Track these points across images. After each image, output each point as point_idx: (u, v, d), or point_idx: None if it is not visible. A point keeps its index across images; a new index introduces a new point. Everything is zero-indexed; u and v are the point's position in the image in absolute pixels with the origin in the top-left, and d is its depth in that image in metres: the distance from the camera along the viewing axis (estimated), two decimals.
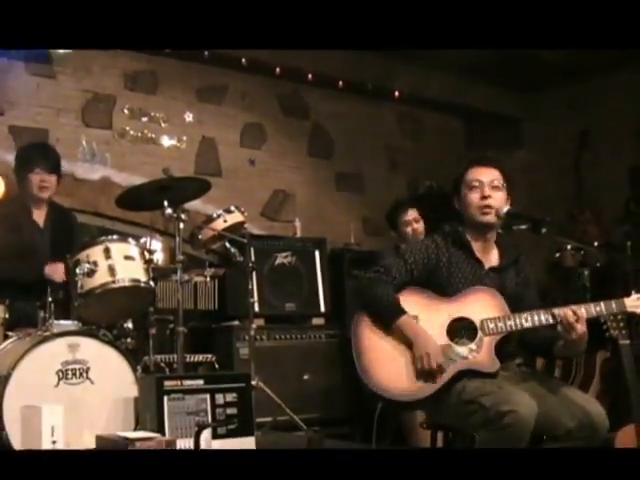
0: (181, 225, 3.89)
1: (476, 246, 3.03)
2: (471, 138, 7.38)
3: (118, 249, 3.68)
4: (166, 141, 5.68)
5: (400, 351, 2.87)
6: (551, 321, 2.83)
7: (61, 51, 5.04)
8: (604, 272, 5.39)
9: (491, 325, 2.87)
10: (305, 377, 5.06)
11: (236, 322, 4.97)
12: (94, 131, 5.39)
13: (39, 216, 4.20)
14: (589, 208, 6.21)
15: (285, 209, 6.24)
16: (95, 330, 3.55)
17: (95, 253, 3.63)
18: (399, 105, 6.86)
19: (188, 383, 3.27)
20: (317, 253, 5.56)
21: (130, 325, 3.95)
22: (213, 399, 3.29)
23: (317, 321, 5.41)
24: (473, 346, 2.86)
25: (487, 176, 3.01)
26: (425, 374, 2.82)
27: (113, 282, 3.60)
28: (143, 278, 3.69)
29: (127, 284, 3.64)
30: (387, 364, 2.86)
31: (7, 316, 3.67)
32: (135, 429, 3.28)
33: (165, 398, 3.18)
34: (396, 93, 6.55)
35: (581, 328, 2.78)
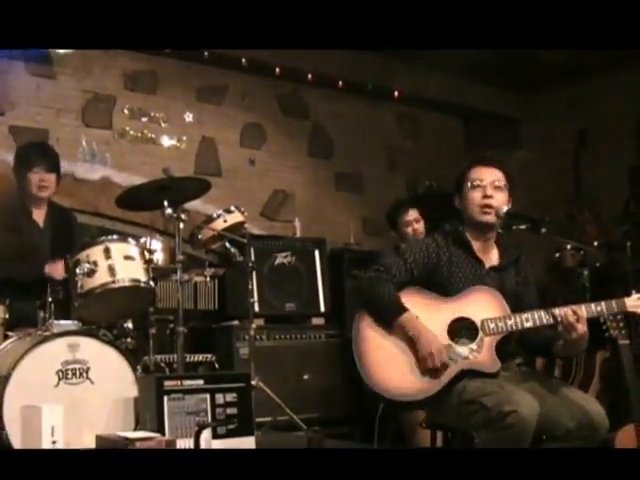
0: (181, 225, 3.89)
1: (476, 245, 3.04)
2: (470, 138, 7.38)
3: (118, 249, 3.68)
4: (166, 141, 5.68)
5: (401, 351, 2.87)
6: (552, 321, 2.83)
7: (61, 51, 5.04)
8: (604, 272, 5.39)
9: (492, 325, 2.87)
10: (305, 377, 5.06)
11: (236, 322, 4.97)
12: (94, 131, 5.39)
13: (39, 216, 4.20)
14: (588, 208, 6.21)
15: (285, 209, 6.24)
16: (95, 330, 3.55)
17: (95, 253, 3.63)
18: (399, 105, 6.87)
19: (188, 383, 3.27)
20: (317, 253, 5.56)
21: (130, 325, 3.95)
22: (213, 399, 3.29)
23: (317, 321, 5.41)
24: (474, 346, 2.86)
25: (490, 176, 3.01)
26: (430, 372, 2.82)
27: (113, 282, 3.60)
28: (143, 278, 3.69)
29: (127, 284, 3.64)
30: (388, 364, 2.86)
31: (7, 316, 3.66)
32: (135, 429, 3.28)
33: (165, 398, 3.18)
34: (396, 93, 6.56)
35: (582, 328, 2.78)
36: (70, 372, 3.27)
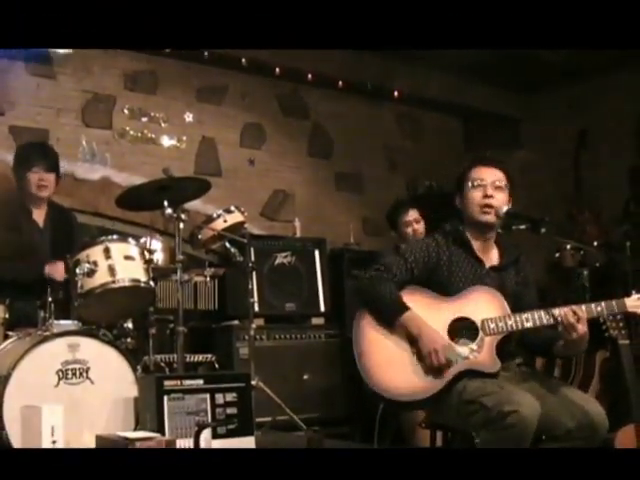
0: (181, 225, 3.89)
1: (476, 245, 3.04)
2: (470, 138, 7.38)
3: (118, 249, 3.68)
4: (166, 141, 5.68)
5: (402, 351, 2.87)
6: (552, 321, 2.83)
7: (61, 51, 5.04)
8: (603, 272, 5.39)
9: (492, 325, 2.87)
10: (305, 377, 5.06)
11: (236, 322, 4.97)
12: (94, 131, 5.39)
13: (39, 216, 4.21)
14: (588, 208, 6.21)
15: (285, 209, 6.24)
16: (95, 330, 3.55)
17: (95, 253, 3.63)
18: (398, 105, 6.87)
19: (188, 383, 3.27)
20: (317, 253, 5.56)
21: (130, 325, 3.95)
22: (213, 399, 3.29)
23: (317, 321, 5.41)
24: (474, 346, 2.86)
25: (491, 176, 3.01)
26: (434, 370, 2.82)
27: (113, 282, 3.60)
28: (143, 278, 3.69)
29: (127, 284, 3.64)
30: (388, 364, 2.86)
31: (7, 316, 3.66)
32: (135, 429, 3.28)
33: (165, 398, 3.18)
34: (395, 93, 6.56)
35: (582, 328, 2.78)
36: (70, 372, 3.27)
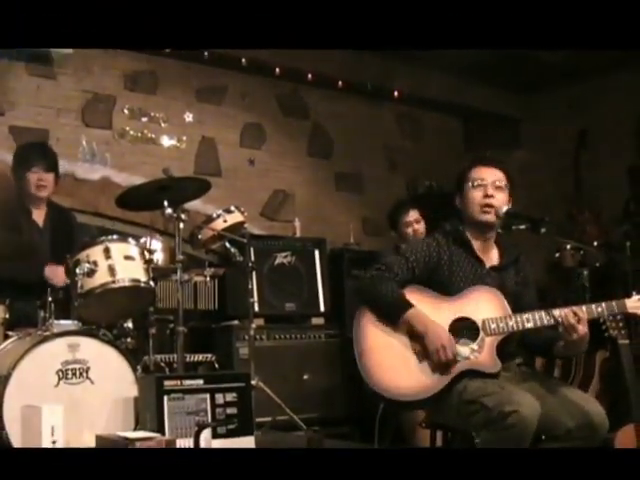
0: (181, 225, 3.89)
1: (476, 245, 3.04)
2: (470, 138, 7.38)
3: (118, 249, 3.68)
4: (166, 141, 5.68)
5: (402, 350, 2.87)
6: (552, 322, 2.83)
7: (61, 51, 5.04)
8: (603, 272, 5.39)
9: (493, 325, 2.87)
10: (305, 377, 5.06)
11: (236, 322, 4.97)
12: (94, 131, 5.39)
13: (38, 216, 4.21)
14: (588, 208, 6.21)
15: (285, 209, 6.24)
16: (95, 330, 3.55)
17: (95, 253, 3.63)
18: (398, 105, 6.87)
19: (188, 383, 3.27)
20: (317, 253, 5.56)
21: (130, 325, 3.95)
22: (213, 399, 3.29)
23: (317, 321, 5.42)
24: (475, 346, 2.86)
25: (491, 176, 3.01)
26: (441, 366, 2.82)
27: (113, 282, 3.60)
28: (143, 278, 3.69)
29: (127, 284, 3.64)
30: (389, 364, 2.86)
31: (7, 316, 3.67)
32: (135, 429, 3.28)
33: (165, 398, 3.18)
34: (395, 93, 6.56)
35: (582, 329, 2.78)
36: (70, 372, 3.27)
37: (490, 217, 2.99)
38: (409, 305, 2.88)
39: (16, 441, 3.11)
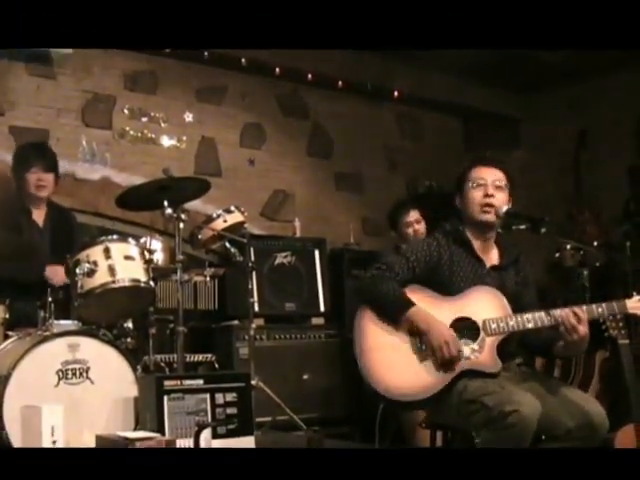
0: (181, 225, 3.89)
1: (476, 245, 3.04)
2: (470, 138, 7.38)
3: (118, 249, 3.68)
4: (166, 141, 5.68)
5: (403, 350, 2.87)
6: (553, 322, 2.83)
7: (61, 51, 5.04)
8: (603, 272, 5.39)
9: (493, 325, 2.87)
10: (305, 377, 5.06)
11: (236, 322, 4.97)
12: (94, 131, 5.39)
13: (38, 216, 4.22)
14: (588, 208, 6.21)
15: (285, 209, 6.24)
16: (95, 330, 3.55)
17: (95, 253, 3.63)
18: (398, 105, 6.86)
19: (188, 383, 3.27)
20: (317, 253, 5.56)
21: (130, 325, 3.95)
22: (213, 399, 3.29)
23: (317, 321, 5.42)
24: (475, 346, 2.86)
25: (491, 175, 3.02)
26: (445, 363, 2.81)
27: (113, 282, 3.60)
28: (143, 278, 3.70)
29: (127, 284, 3.64)
30: (389, 363, 2.86)
31: (7, 316, 3.67)
32: (135, 429, 3.28)
33: (165, 398, 3.18)
34: (395, 93, 6.56)
35: (583, 329, 2.78)
36: (70, 372, 3.28)
37: (490, 217, 2.99)
38: (411, 303, 2.87)
39: (16, 441, 3.11)
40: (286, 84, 6.27)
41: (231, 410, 3.31)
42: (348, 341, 2.99)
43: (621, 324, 3.57)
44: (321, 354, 5.19)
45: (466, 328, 2.89)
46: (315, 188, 6.42)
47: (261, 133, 6.19)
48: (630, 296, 2.89)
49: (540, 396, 2.74)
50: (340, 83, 6.27)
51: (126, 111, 5.54)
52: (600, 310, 2.87)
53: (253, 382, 3.94)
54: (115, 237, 3.77)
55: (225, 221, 4.30)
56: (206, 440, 3.07)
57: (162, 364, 4.37)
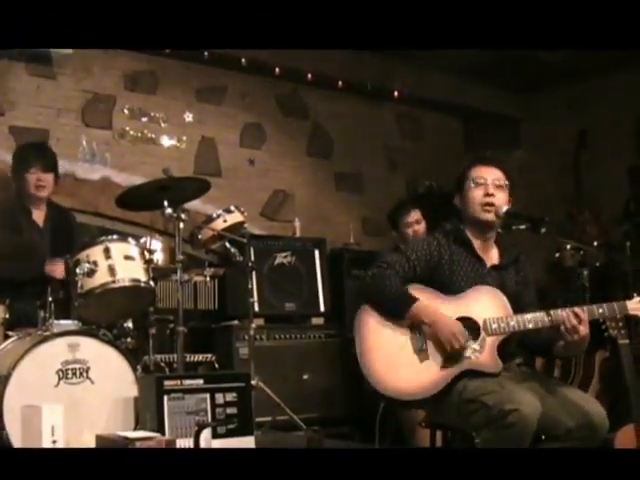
0: (181, 225, 3.90)
1: (477, 244, 3.04)
2: (470, 138, 7.38)
3: (118, 249, 3.68)
4: (166, 141, 5.68)
5: (404, 349, 2.87)
6: (553, 323, 2.83)
7: (61, 51, 5.04)
8: (603, 272, 5.39)
9: (494, 325, 2.87)
10: (305, 377, 5.06)
11: (236, 322, 4.97)
12: (94, 131, 5.38)
13: (38, 216, 4.22)
14: (588, 208, 6.21)
15: (285, 209, 6.24)
16: (95, 330, 3.55)
17: (95, 253, 3.63)
18: (398, 105, 6.86)
19: (188, 383, 3.28)
20: (317, 253, 5.56)
21: (130, 325, 3.96)
22: (213, 399, 3.29)
23: (317, 321, 5.42)
24: (476, 346, 2.86)
25: (491, 175, 3.02)
26: (454, 354, 2.81)
27: (113, 282, 3.60)
28: (143, 278, 3.70)
29: (127, 284, 3.64)
30: (390, 363, 2.86)
31: (7, 316, 3.67)
32: (135, 429, 3.28)
33: (165, 398, 3.19)
34: (395, 93, 6.55)
35: (583, 330, 2.79)
36: (70, 372, 3.28)
37: (491, 216, 2.99)
38: (414, 298, 2.87)
39: (16, 441, 3.11)
40: (286, 84, 6.27)
41: (231, 410, 3.32)
42: (348, 341, 2.99)
43: (621, 324, 3.57)
44: (321, 354, 5.19)
45: (467, 328, 2.89)
46: (315, 188, 6.42)
47: (261, 133, 6.19)
48: (630, 297, 2.89)
49: (540, 396, 2.74)
50: (340, 83, 6.26)
51: (126, 111, 5.54)
52: (600, 311, 2.87)
53: (253, 382, 3.94)
54: (115, 237, 3.78)
55: (225, 221, 4.30)
56: (206, 440, 3.08)
57: (162, 364, 4.37)
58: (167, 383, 3.23)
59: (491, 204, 2.98)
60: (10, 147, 4.80)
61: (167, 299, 4.76)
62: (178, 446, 3.02)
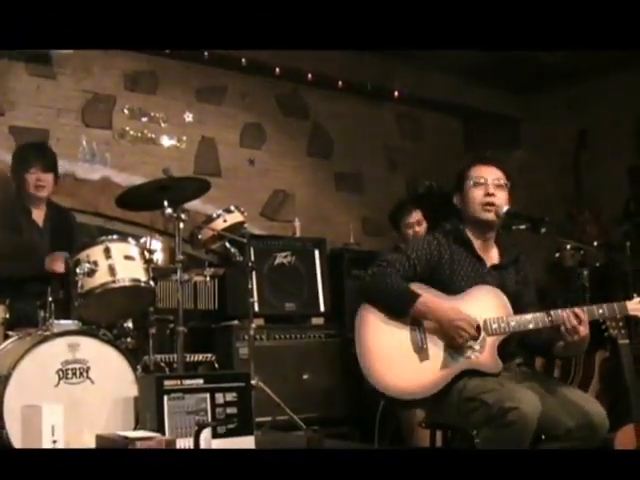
0: (181, 225, 3.90)
1: (477, 244, 3.04)
2: (470, 138, 7.38)
3: (118, 249, 3.68)
4: (166, 141, 5.68)
5: (404, 349, 2.87)
6: (553, 323, 2.83)
7: (61, 52, 5.04)
8: (603, 272, 5.39)
9: (494, 325, 2.87)
10: (305, 377, 5.06)
11: (236, 322, 4.97)
12: (94, 131, 5.39)
13: (38, 216, 4.22)
14: (588, 208, 6.21)
15: (285, 209, 6.24)
16: (95, 330, 3.56)
17: (95, 253, 3.63)
18: (398, 105, 6.86)
19: (188, 382, 3.28)
20: (317, 253, 5.56)
21: (130, 325, 3.96)
22: (213, 398, 3.29)
23: (317, 321, 5.42)
24: (476, 346, 2.86)
25: (491, 174, 3.02)
26: (457, 351, 2.81)
27: (113, 282, 3.60)
28: (143, 278, 3.70)
29: (127, 284, 3.64)
30: (390, 362, 2.85)
31: (7, 316, 3.67)
32: (135, 428, 3.29)
33: (165, 397, 3.19)
34: (395, 93, 6.55)
35: (584, 330, 2.78)
36: (70, 372, 3.28)
37: (491, 215, 2.99)
38: (417, 294, 2.86)
39: (16, 441, 3.11)
40: (286, 84, 6.27)
41: (231, 410, 3.32)
42: (348, 341, 2.99)
43: (621, 324, 3.57)
44: (321, 354, 5.19)
45: None
46: (315, 188, 6.42)
47: (261, 133, 6.19)
48: (630, 297, 2.89)
49: (540, 396, 2.74)
50: (340, 83, 6.26)
51: (126, 111, 5.54)
52: (601, 311, 2.86)
53: (253, 382, 3.95)
54: (115, 237, 3.78)
55: (225, 221, 4.30)
56: (206, 440, 3.08)
57: (162, 364, 4.37)
58: (167, 383, 3.23)
59: (491, 204, 2.98)
60: (10, 147, 4.80)
61: (167, 299, 4.76)
62: (178, 446, 3.02)
